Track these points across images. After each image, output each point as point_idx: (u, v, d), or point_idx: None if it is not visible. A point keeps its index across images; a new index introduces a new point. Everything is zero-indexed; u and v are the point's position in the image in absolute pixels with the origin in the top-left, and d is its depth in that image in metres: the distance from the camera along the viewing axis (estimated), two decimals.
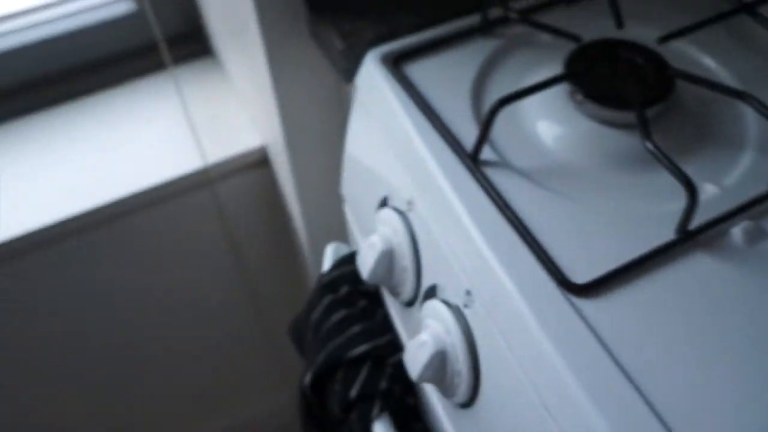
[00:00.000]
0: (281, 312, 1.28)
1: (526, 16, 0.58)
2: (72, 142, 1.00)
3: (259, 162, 0.99)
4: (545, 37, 0.61)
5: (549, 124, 0.53)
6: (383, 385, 0.61)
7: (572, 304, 0.42)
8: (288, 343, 1.35)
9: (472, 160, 0.50)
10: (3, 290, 0.99)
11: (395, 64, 0.59)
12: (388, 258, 0.56)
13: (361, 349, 0.61)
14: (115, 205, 0.94)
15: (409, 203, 0.54)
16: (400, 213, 0.55)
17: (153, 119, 1.02)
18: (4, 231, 0.91)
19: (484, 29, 0.61)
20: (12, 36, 1.00)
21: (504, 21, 0.61)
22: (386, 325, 0.64)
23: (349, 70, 0.62)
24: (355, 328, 0.63)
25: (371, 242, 0.56)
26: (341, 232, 0.92)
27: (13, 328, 1.06)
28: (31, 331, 1.08)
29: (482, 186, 0.49)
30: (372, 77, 0.59)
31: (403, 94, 0.56)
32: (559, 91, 0.54)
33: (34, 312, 1.05)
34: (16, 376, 1.13)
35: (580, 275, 0.44)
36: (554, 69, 0.56)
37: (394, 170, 0.57)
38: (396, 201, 0.57)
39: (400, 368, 0.62)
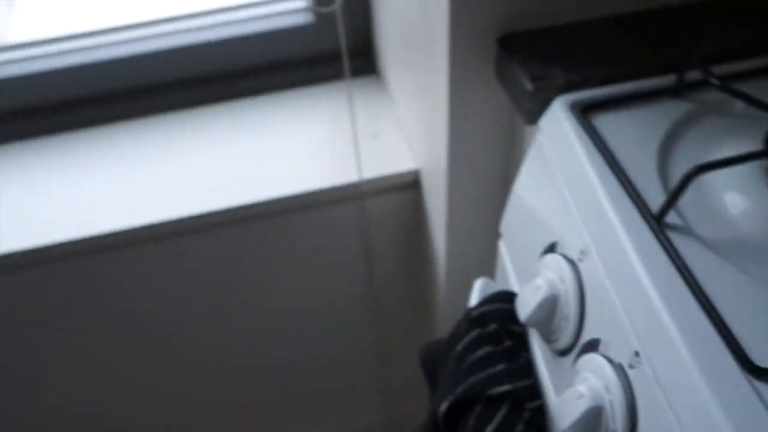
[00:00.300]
0: (401, 334, 1.29)
1: (727, 84, 0.57)
2: (240, 135, 1.05)
3: (410, 184, 1.01)
4: (740, 106, 0.60)
5: (738, 197, 0.52)
6: (519, 428, 0.60)
7: (753, 387, 0.41)
8: (397, 366, 1.35)
9: (656, 221, 0.50)
10: (143, 269, 1.04)
11: (583, 113, 0.59)
12: (550, 304, 0.56)
13: (503, 388, 0.61)
14: (265, 204, 0.98)
15: (582, 253, 0.54)
16: (570, 261, 0.55)
17: (318, 127, 1.06)
18: (165, 212, 0.96)
19: (678, 91, 0.61)
20: (196, 33, 1.07)
21: (699, 85, 0.60)
22: (529, 369, 0.63)
23: (533, 113, 0.63)
24: (499, 367, 0.63)
25: (536, 285, 0.56)
26: (484, 266, 0.92)
27: (133, 318, 1.11)
28: (147, 324, 1.13)
29: (665, 249, 0.48)
30: (558, 123, 0.60)
31: (590, 144, 0.56)
32: (754, 165, 0.53)
33: (155, 305, 1.11)
34: (121, 372, 1.19)
35: (764, 358, 0.42)
36: (749, 141, 0.54)
37: (569, 218, 0.57)
38: (566, 249, 0.57)
39: (537, 414, 0.61)
